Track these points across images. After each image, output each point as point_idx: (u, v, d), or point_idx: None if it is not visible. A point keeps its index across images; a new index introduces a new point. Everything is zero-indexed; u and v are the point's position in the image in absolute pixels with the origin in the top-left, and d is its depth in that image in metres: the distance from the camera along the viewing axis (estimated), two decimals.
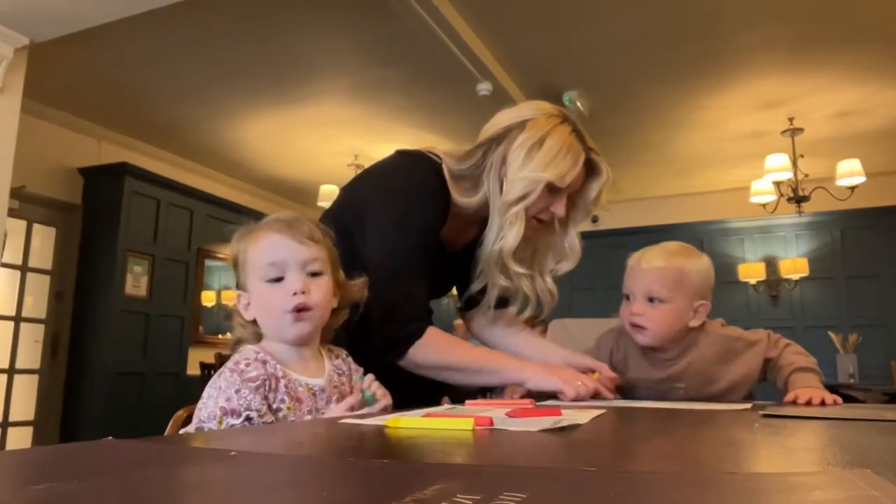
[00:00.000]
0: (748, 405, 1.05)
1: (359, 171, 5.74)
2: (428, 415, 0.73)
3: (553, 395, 1.16)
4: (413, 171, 1.26)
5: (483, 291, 1.34)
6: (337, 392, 0.98)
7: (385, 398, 0.99)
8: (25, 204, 4.36)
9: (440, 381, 1.22)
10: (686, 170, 5.90)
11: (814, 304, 5.78)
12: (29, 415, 4.49)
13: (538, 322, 2.18)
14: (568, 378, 1.14)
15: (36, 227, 4.60)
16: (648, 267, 1.31)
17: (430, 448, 0.56)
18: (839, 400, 1.15)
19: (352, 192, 1.32)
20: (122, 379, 4.60)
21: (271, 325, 0.96)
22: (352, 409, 0.93)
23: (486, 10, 3.40)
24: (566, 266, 1.33)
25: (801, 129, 4.79)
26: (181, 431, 0.88)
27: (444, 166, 1.27)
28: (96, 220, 4.78)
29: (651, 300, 1.30)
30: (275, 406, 0.89)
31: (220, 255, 5.63)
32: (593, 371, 1.26)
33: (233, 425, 0.83)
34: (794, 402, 1.14)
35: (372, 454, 0.53)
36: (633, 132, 5.01)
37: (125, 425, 4.44)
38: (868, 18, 3.42)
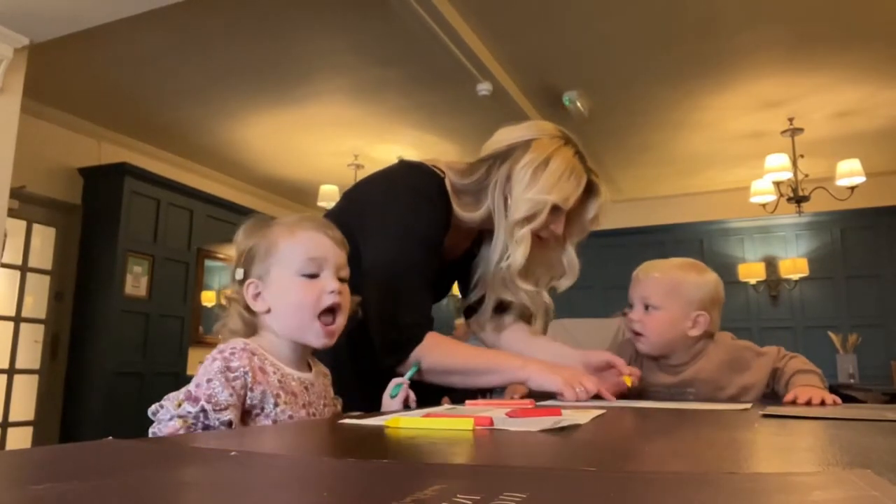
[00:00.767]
0: (748, 405, 1.05)
1: (358, 172, 5.74)
2: (428, 415, 0.73)
3: (553, 395, 1.16)
4: (418, 181, 1.27)
5: (482, 300, 1.37)
6: (324, 392, 0.99)
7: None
8: (25, 204, 4.36)
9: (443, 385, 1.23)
10: (686, 170, 5.90)
11: (814, 304, 5.78)
12: (29, 415, 4.49)
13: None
14: (569, 378, 1.14)
15: (36, 227, 4.60)
16: (645, 277, 1.40)
17: (430, 448, 0.56)
18: (839, 400, 1.15)
19: (355, 196, 1.32)
20: (122, 379, 4.59)
21: (292, 320, 0.94)
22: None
23: (486, 10, 3.40)
24: (566, 282, 1.36)
25: (801, 129, 4.79)
26: (149, 410, 0.87)
27: (447, 181, 1.28)
28: (96, 220, 4.78)
29: (647, 307, 1.37)
30: (260, 400, 0.87)
31: (220, 255, 5.63)
32: (612, 366, 1.27)
33: (188, 412, 0.82)
34: (793, 402, 1.14)
35: (372, 454, 0.53)
36: (633, 132, 5.01)
37: (125, 425, 4.44)
38: (868, 18, 3.42)
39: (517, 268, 1.24)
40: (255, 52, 3.80)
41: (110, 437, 0.51)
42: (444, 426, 0.66)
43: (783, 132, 4.83)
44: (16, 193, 3.66)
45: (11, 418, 4.38)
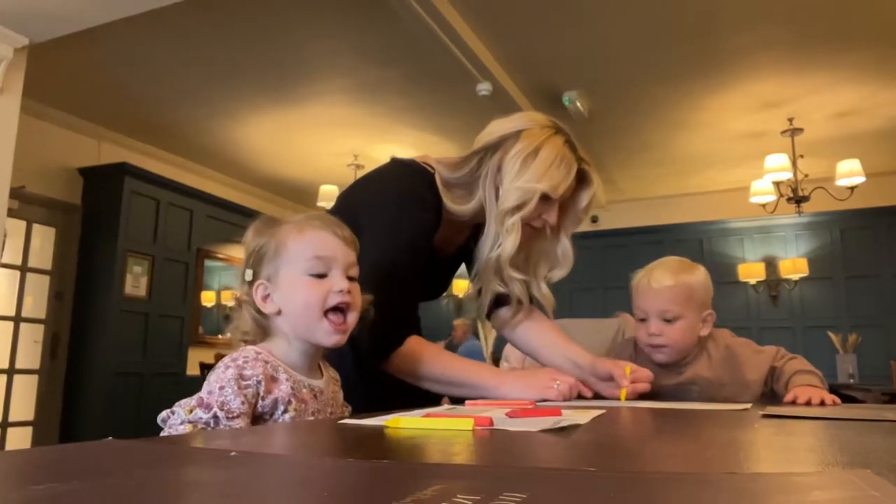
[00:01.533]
0: (748, 405, 1.05)
1: (358, 172, 5.74)
2: (428, 415, 0.73)
3: None
4: (404, 181, 1.27)
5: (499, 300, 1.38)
6: (332, 399, 0.98)
7: None
8: (25, 204, 4.36)
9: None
10: (686, 170, 5.91)
11: (813, 304, 5.78)
12: (29, 415, 4.49)
13: None
14: (545, 384, 1.14)
15: (36, 227, 4.60)
16: (659, 286, 1.37)
17: (430, 448, 0.56)
18: (838, 400, 1.15)
19: (348, 198, 1.33)
20: (122, 379, 4.60)
21: (301, 320, 0.93)
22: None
23: (486, 10, 3.40)
24: (560, 273, 1.36)
25: (800, 130, 4.79)
26: (159, 417, 0.86)
27: (436, 176, 1.29)
28: (96, 220, 4.78)
29: (666, 319, 1.36)
30: (270, 409, 0.87)
31: (220, 255, 5.63)
32: (624, 371, 1.27)
33: (200, 418, 0.82)
34: (793, 402, 1.14)
35: (372, 454, 0.53)
36: (633, 132, 5.01)
37: (125, 425, 4.44)
38: (868, 18, 3.42)
39: (507, 256, 1.24)
40: (255, 53, 3.80)
41: (110, 438, 0.51)
42: (444, 426, 0.66)
43: (783, 132, 4.83)
44: (16, 193, 3.66)
45: (11, 418, 4.38)
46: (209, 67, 3.98)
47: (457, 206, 1.27)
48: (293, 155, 5.53)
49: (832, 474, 0.39)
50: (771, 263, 5.92)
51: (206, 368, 4.70)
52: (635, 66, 3.97)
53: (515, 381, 1.17)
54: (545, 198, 1.23)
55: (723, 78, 4.10)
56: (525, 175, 1.21)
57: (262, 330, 0.96)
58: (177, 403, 0.85)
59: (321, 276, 0.93)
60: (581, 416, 0.76)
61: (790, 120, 4.70)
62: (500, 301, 1.41)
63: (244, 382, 0.86)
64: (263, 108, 4.59)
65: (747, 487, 0.34)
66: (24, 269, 4.49)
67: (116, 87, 4.28)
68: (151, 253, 4.94)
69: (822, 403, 1.11)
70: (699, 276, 1.41)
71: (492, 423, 0.65)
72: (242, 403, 0.84)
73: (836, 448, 0.57)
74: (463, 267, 1.45)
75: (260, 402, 0.87)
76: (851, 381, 4.70)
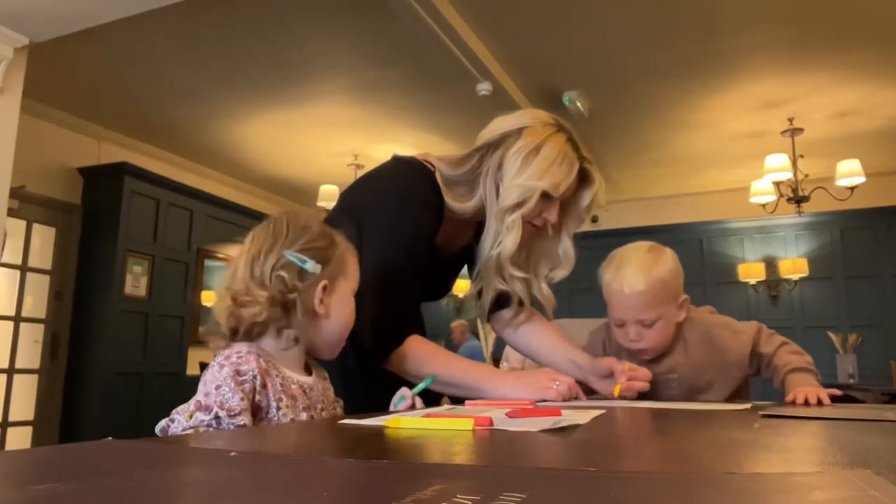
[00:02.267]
0: (748, 405, 1.05)
1: (358, 172, 5.74)
2: (428, 415, 0.73)
3: None
4: (404, 179, 1.27)
5: (500, 301, 1.37)
6: (322, 395, 0.99)
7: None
8: (25, 204, 4.36)
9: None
10: (686, 170, 5.91)
11: (813, 304, 5.78)
12: (29, 415, 4.49)
13: None
14: (544, 384, 1.14)
15: (36, 226, 4.60)
16: (632, 292, 1.31)
17: (430, 448, 0.56)
18: (836, 392, 1.16)
19: (349, 197, 1.33)
20: (122, 379, 4.59)
21: (337, 333, 0.99)
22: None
23: (486, 10, 3.40)
24: (561, 273, 1.35)
25: (800, 130, 4.79)
26: (157, 427, 0.85)
27: (437, 174, 1.28)
28: (96, 220, 4.78)
29: (645, 325, 1.32)
30: (266, 403, 0.87)
31: (220, 255, 5.63)
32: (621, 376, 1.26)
33: (202, 421, 0.80)
34: (793, 403, 1.14)
35: (372, 454, 0.53)
36: (633, 132, 5.01)
37: (125, 425, 4.44)
38: (868, 18, 3.42)
39: (508, 254, 1.23)
40: (255, 52, 3.80)
41: (110, 438, 0.51)
42: (444, 426, 0.66)
43: (783, 132, 4.83)
44: (16, 193, 3.66)
45: (11, 418, 4.38)
46: (209, 67, 3.98)
47: (458, 203, 1.26)
48: (293, 155, 5.53)
49: (832, 474, 0.39)
50: (771, 263, 5.92)
51: (205, 368, 4.70)
52: (635, 66, 3.97)
53: (515, 382, 1.17)
54: (546, 196, 1.22)
55: (723, 78, 4.10)
56: (526, 172, 1.20)
57: (273, 324, 0.93)
58: (174, 411, 0.84)
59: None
60: (581, 416, 0.76)
61: (790, 120, 4.70)
62: (500, 303, 1.40)
63: (241, 378, 0.85)
64: (263, 108, 4.59)
65: (747, 487, 0.34)
66: (24, 268, 4.49)
67: (116, 87, 4.28)
68: (151, 253, 4.94)
69: (820, 403, 1.11)
70: (668, 263, 1.34)
71: (492, 424, 0.65)
72: (242, 400, 0.83)
73: (836, 448, 0.57)
74: (464, 267, 1.45)
75: (256, 396, 0.86)
76: (851, 381, 4.70)
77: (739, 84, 4.19)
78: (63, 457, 0.45)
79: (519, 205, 1.21)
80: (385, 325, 1.17)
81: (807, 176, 4.79)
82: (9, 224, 3.43)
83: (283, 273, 0.91)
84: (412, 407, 1.02)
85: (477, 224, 1.32)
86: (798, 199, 4.77)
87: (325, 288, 0.95)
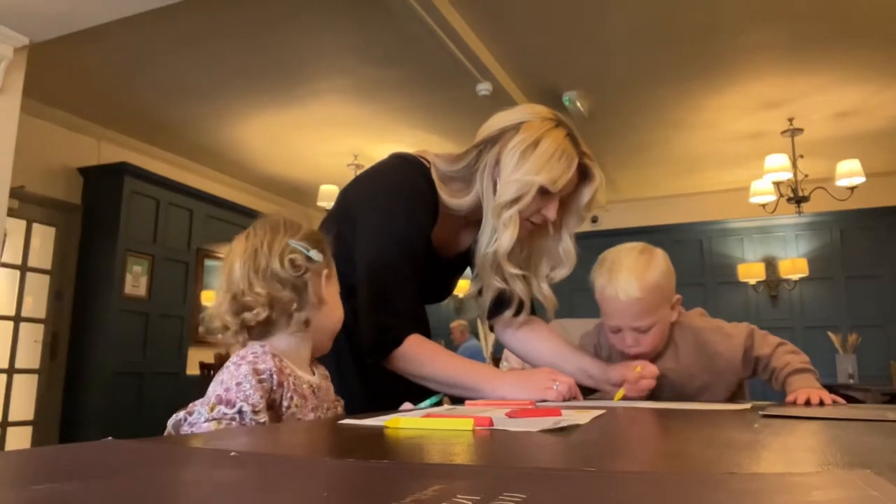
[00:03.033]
0: (748, 405, 1.05)
1: (358, 172, 5.76)
2: (428, 415, 0.73)
3: None
4: (396, 176, 1.25)
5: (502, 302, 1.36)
6: (326, 394, 0.99)
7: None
8: (25, 203, 4.36)
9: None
10: (686, 170, 5.91)
11: (813, 304, 5.79)
12: (28, 414, 4.49)
13: None
14: (544, 385, 1.13)
15: (35, 226, 4.60)
16: (628, 299, 1.27)
17: (430, 448, 0.56)
18: (839, 399, 1.15)
19: (346, 196, 1.33)
20: (122, 379, 4.60)
21: (333, 323, 1.01)
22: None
23: (486, 10, 3.40)
24: (562, 272, 1.33)
25: (800, 130, 4.79)
26: (170, 420, 0.85)
27: (432, 169, 1.27)
28: (96, 219, 4.78)
29: (641, 331, 1.30)
30: (280, 402, 0.88)
31: (220, 255, 5.62)
32: (624, 384, 1.25)
33: (224, 414, 0.81)
34: (794, 404, 1.14)
35: (372, 454, 0.53)
36: (633, 132, 5.01)
37: (125, 425, 4.44)
38: (868, 18, 3.42)
39: (504, 251, 1.21)
40: (255, 52, 3.80)
41: (110, 438, 0.51)
42: (444, 426, 0.66)
43: (783, 132, 4.83)
44: (15, 193, 3.66)
45: (11, 418, 4.38)
46: (209, 67, 3.98)
47: (453, 199, 1.25)
48: (293, 155, 5.53)
49: (832, 474, 0.39)
50: (771, 263, 5.92)
51: (206, 368, 4.70)
52: (635, 66, 3.97)
53: (515, 382, 1.16)
54: (544, 192, 1.20)
55: (723, 78, 4.10)
56: (523, 168, 1.18)
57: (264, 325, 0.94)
58: (191, 404, 0.84)
59: None
60: (581, 416, 0.76)
61: (790, 120, 4.70)
62: (501, 305, 1.37)
63: (260, 377, 0.86)
64: (263, 108, 4.59)
65: (747, 487, 0.34)
66: (24, 268, 4.49)
67: (117, 87, 4.28)
68: (151, 252, 4.94)
69: (822, 403, 1.11)
70: (661, 265, 1.31)
71: (492, 424, 0.65)
72: (261, 398, 0.84)
73: (836, 448, 0.57)
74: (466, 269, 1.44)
75: (272, 395, 0.87)
76: (851, 381, 4.70)
77: (739, 84, 4.19)
78: (63, 457, 0.45)
79: (516, 200, 1.18)
80: (382, 323, 1.16)
81: (807, 176, 4.79)
82: (9, 224, 3.43)
83: (294, 256, 0.93)
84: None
85: (475, 226, 1.31)
86: (798, 200, 4.78)
87: (327, 276, 0.98)
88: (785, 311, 5.88)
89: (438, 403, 1.05)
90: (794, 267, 5.63)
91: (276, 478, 0.36)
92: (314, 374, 1.00)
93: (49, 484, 0.34)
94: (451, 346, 5.54)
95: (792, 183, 4.76)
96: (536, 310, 1.43)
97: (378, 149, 5.23)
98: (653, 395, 1.30)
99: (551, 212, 1.23)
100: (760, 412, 0.87)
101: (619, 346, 1.34)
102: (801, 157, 4.80)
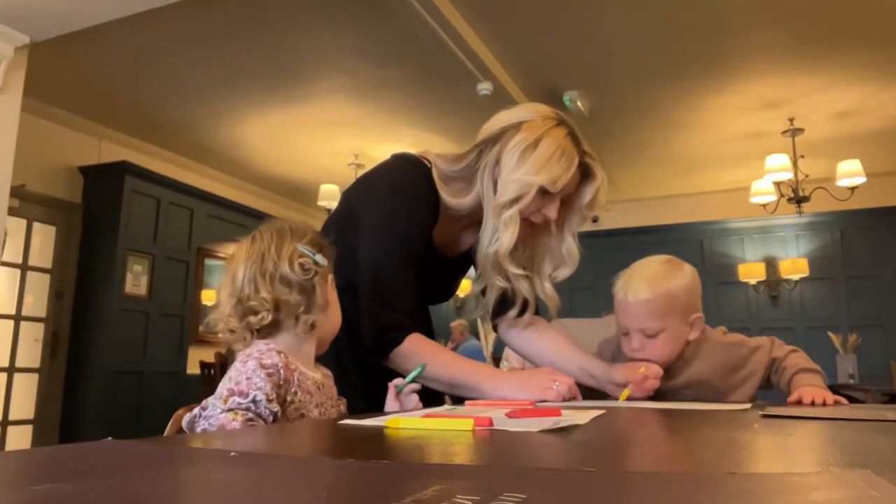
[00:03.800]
0: (748, 405, 1.05)
1: (358, 171, 5.76)
2: (428, 415, 0.73)
3: None
4: (397, 176, 1.26)
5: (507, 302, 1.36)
6: (330, 392, 1.00)
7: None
8: (25, 202, 4.36)
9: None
10: (686, 170, 5.91)
11: (814, 304, 5.78)
12: (29, 414, 4.49)
13: None
14: (544, 385, 1.13)
15: (36, 225, 4.60)
16: (636, 300, 1.28)
17: (430, 448, 0.56)
18: (842, 400, 1.14)
19: (348, 197, 1.33)
20: (122, 378, 4.60)
21: (335, 325, 1.04)
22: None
23: (487, 10, 3.40)
24: (565, 272, 1.33)
25: (801, 130, 4.79)
26: (185, 415, 0.86)
27: (433, 169, 1.27)
28: (96, 218, 4.78)
29: (647, 335, 1.29)
30: (286, 397, 0.89)
31: (221, 254, 5.63)
32: (629, 384, 1.25)
33: (239, 404, 0.83)
34: (797, 403, 1.14)
35: (372, 454, 0.53)
36: (634, 132, 5.01)
37: (125, 425, 4.44)
38: (868, 18, 3.42)
39: (505, 251, 1.20)
40: (255, 52, 3.80)
41: (110, 438, 0.51)
42: (444, 426, 0.66)
43: (783, 132, 4.83)
44: (16, 192, 3.66)
45: (11, 417, 4.38)
46: (210, 66, 3.98)
47: (454, 199, 1.25)
48: (293, 154, 5.53)
49: (832, 474, 0.39)
50: (771, 263, 5.92)
51: (206, 368, 4.70)
52: (635, 66, 3.97)
53: (515, 382, 1.16)
54: (544, 192, 1.19)
55: (723, 78, 4.10)
56: (523, 167, 1.18)
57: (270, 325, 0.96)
58: (205, 401, 0.86)
59: None
60: (581, 416, 0.76)
61: (791, 120, 4.70)
62: (504, 306, 1.37)
63: (268, 371, 0.87)
64: (264, 108, 4.59)
65: (747, 487, 0.34)
66: (24, 267, 4.49)
67: (117, 86, 4.28)
68: (152, 252, 4.94)
69: (824, 403, 1.11)
70: (683, 279, 1.31)
71: (491, 424, 0.65)
72: (272, 390, 0.86)
73: (836, 448, 0.57)
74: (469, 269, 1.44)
75: (279, 389, 0.88)
76: (851, 381, 4.69)
77: (740, 84, 4.19)
78: (63, 457, 0.45)
79: (516, 200, 1.18)
80: (384, 322, 1.16)
81: (807, 176, 4.79)
82: (9, 223, 3.43)
83: (303, 260, 0.96)
84: (417, 391, 1.06)
85: (477, 226, 1.31)
86: (798, 200, 4.78)
87: (331, 280, 1.01)
88: (785, 311, 5.88)
89: (421, 374, 1.07)
90: (794, 267, 5.63)
91: (276, 478, 0.36)
92: (318, 371, 1.01)
93: (49, 484, 0.34)
94: (452, 345, 5.53)
95: (792, 183, 4.76)
96: (539, 309, 1.43)
97: (378, 149, 5.23)
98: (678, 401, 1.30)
99: (552, 211, 1.22)
100: (760, 412, 0.87)
101: (626, 350, 1.34)
102: (802, 157, 4.80)
